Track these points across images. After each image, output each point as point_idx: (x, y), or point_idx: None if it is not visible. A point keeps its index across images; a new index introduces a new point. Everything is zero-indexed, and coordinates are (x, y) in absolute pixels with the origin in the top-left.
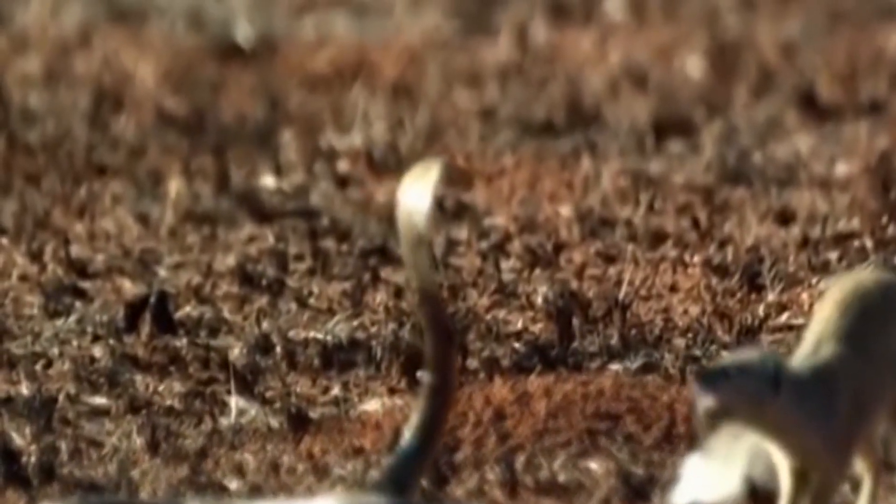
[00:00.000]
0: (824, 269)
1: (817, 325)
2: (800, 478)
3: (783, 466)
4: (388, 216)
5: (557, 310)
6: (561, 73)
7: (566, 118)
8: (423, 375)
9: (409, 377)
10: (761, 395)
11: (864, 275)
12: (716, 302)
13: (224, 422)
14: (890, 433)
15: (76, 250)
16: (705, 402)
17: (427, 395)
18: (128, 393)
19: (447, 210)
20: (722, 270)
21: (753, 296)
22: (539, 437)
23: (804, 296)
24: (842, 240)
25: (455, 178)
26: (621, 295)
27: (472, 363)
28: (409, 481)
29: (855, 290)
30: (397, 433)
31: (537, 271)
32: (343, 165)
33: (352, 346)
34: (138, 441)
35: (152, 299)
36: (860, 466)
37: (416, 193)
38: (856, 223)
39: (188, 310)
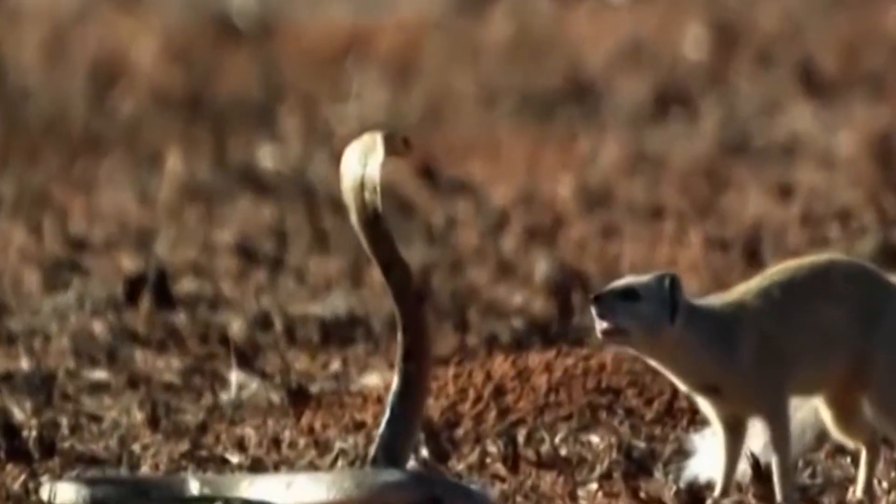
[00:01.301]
0: (824, 244)
1: (752, 280)
2: (733, 429)
3: (714, 420)
4: (386, 192)
5: (557, 286)
6: (561, 50)
7: (566, 94)
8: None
9: None
10: (657, 319)
11: (828, 256)
12: (716, 276)
13: (224, 397)
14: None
15: (75, 226)
16: (601, 325)
17: (403, 359)
18: (127, 368)
19: (446, 187)
20: (722, 245)
21: (753, 270)
22: (540, 411)
23: None
24: (842, 215)
25: (399, 149)
26: (621, 270)
27: (473, 339)
28: (400, 449)
29: (804, 265)
30: None
31: (537, 248)
32: (341, 141)
33: (351, 321)
34: (138, 416)
35: (151, 275)
36: (855, 441)
37: (362, 169)
38: (856, 198)
39: (187, 285)
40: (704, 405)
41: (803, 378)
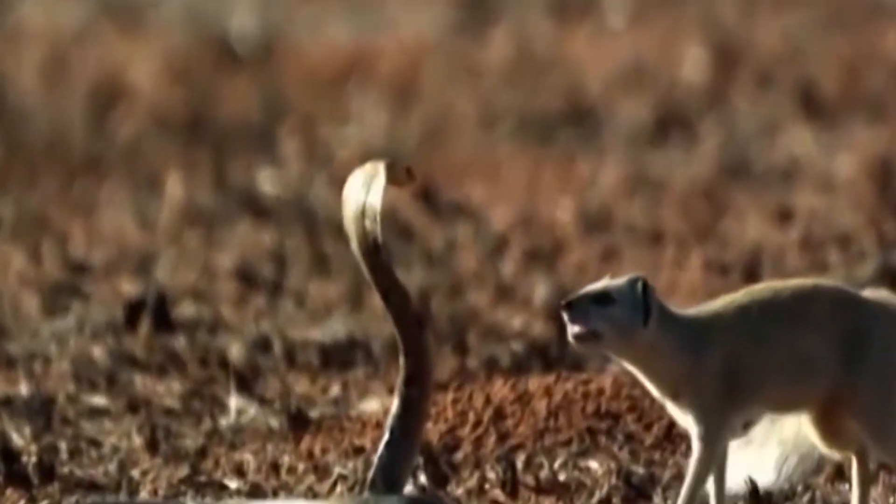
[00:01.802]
0: (823, 268)
1: (724, 297)
2: None
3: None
4: (385, 215)
5: (557, 309)
6: (560, 72)
7: (565, 117)
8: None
9: None
10: (630, 323)
11: (814, 281)
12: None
13: (223, 421)
14: None
15: (74, 249)
16: (573, 329)
17: (404, 383)
18: (127, 392)
19: (445, 210)
20: (721, 269)
21: None
22: (539, 436)
23: None
24: (841, 238)
25: (401, 178)
26: None
27: (472, 363)
28: (399, 473)
29: (787, 287)
30: None
31: (536, 271)
32: (341, 165)
33: (351, 345)
34: (138, 440)
35: (151, 299)
36: (844, 453)
37: (364, 196)
38: (856, 221)
39: (187, 309)
40: (678, 416)
41: (773, 400)
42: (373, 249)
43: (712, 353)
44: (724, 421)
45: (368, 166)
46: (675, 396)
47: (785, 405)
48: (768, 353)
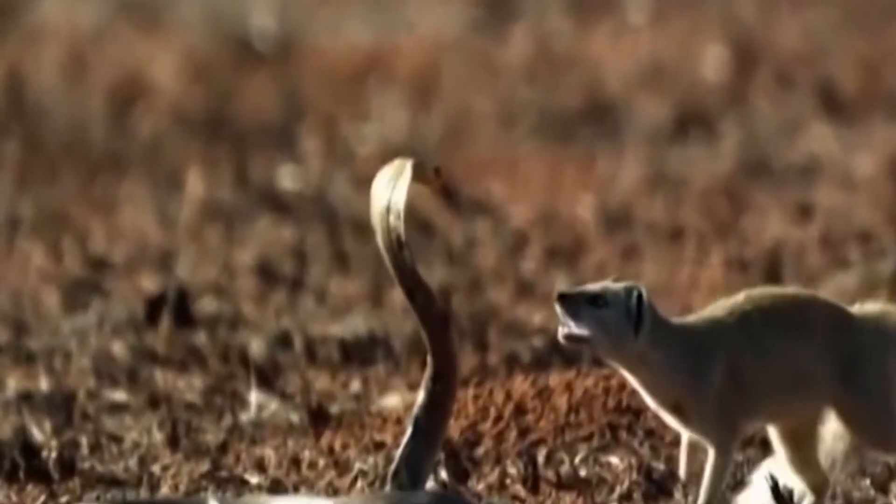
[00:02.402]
0: (844, 266)
1: (725, 301)
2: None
3: (684, 436)
4: (406, 213)
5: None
6: (580, 70)
7: (586, 114)
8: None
9: None
10: (621, 331)
11: (811, 293)
12: None
13: (244, 417)
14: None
15: (95, 246)
16: (565, 329)
17: (429, 380)
18: (147, 388)
19: (466, 207)
20: (742, 266)
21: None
22: (560, 431)
23: (823, 292)
24: (861, 236)
25: (428, 177)
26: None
27: (493, 359)
28: (422, 465)
29: (787, 296)
30: None
31: (557, 268)
32: (361, 162)
33: (371, 341)
34: (158, 436)
35: (171, 295)
36: (808, 483)
37: (389, 193)
38: (875, 219)
39: (207, 305)
40: (671, 422)
41: (771, 411)
42: (396, 247)
43: (715, 365)
44: (734, 425)
45: (396, 163)
46: (675, 409)
47: (783, 416)
48: (771, 364)
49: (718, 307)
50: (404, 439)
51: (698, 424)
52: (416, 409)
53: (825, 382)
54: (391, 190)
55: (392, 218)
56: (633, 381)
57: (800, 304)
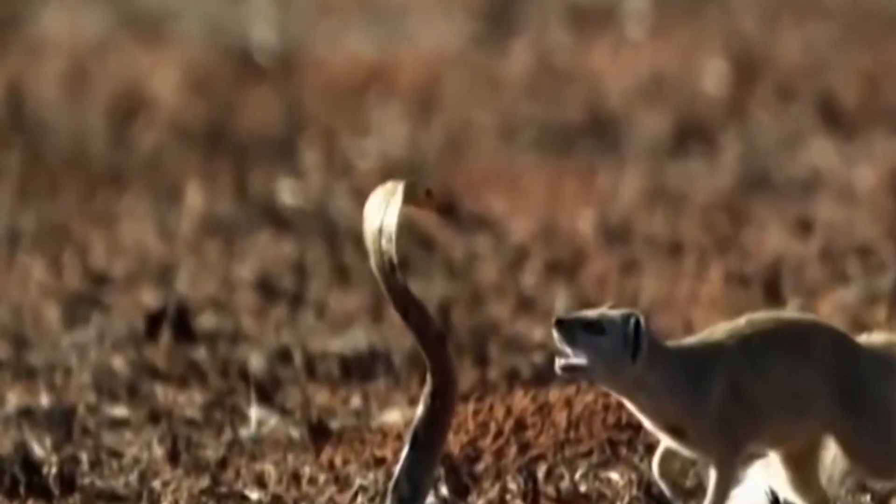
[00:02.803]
0: (844, 280)
1: (726, 324)
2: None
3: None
4: (406, 227)
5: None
6: (581, 83)
7: (586, 128)
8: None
9: None
10: (618, 358)
11: (812, 317)
12: (736, 311)
13: (244, 432)
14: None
15: (95, 261)
16: (562, 361)
17: (428, 396)
18: (148, 403)
19: (466, 221)
20: (742, 280)
21: (773, 305)
22: (560, 447)
23: (824, 307)
24: (862, 250)
25: (420, 199)
26: (641, 305)
27: (493, 374)
28: (422, 478)
29: (787, 320)
30: None
31: (557, 282)
32: (361, 176)
33: (371, 356)
34: (158, 451)
35: (171, 310)
36: (809, 501)
37: (382, 215)
38: (876, 233)
39: (207, 320)
40: (668, 443)
41: (771, 434)
42: (389, 269)
43: (715, 387)
44: (737, 443)
45: (388, 185)
46: (674, 431)
47: (784, 441)
48: (771, 387)
49: (718, 329)
50: (403, 454)
51: (700, 444)
52: (414, 424)
53: (825, 407)
54: (383, 212)
55: (384, 241)
56: (630, 405)
57: (801, 328)
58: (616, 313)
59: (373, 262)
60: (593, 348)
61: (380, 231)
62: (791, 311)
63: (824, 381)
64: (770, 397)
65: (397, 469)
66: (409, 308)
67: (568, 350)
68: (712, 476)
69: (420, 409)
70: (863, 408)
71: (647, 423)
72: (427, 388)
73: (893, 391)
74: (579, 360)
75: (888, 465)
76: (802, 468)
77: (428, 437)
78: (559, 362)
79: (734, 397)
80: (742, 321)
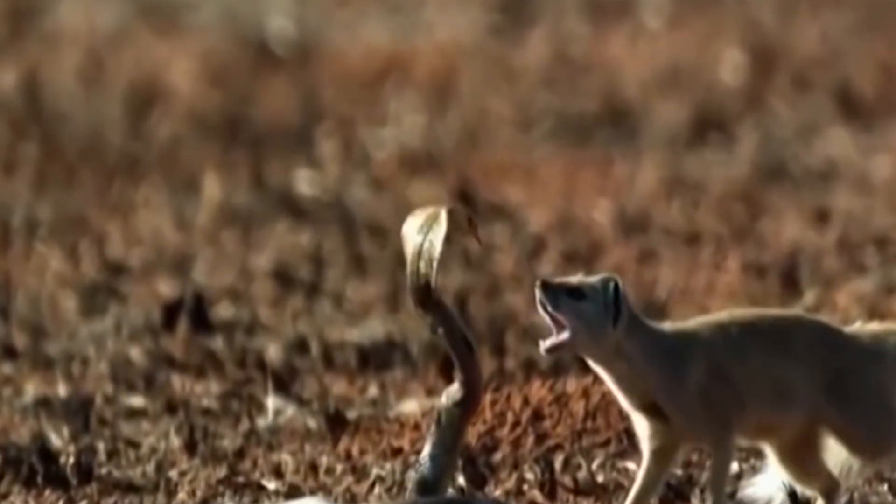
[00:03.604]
0: (861, 270)
1: (712, 315)
2: (659, 459)
3: (644, 444)
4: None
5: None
6: (598, 73)
7: (603, 118)
8: (452, 390)
9: (445, 378)
10: (599, 321)
11: (796, 314)
12: (753, 301)
13: (261, 422)
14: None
15: (112, 251)
16: (546, 343)
17: (454, 404)
18: (165, 393)
19: (483, 211)
20: (759, 270)
21: (791, 295)
22: (577, 437)
23: (841, 296)
24: (878, 240)
25: (462, 226)
26: (658, 295)
27: (510, 364)
28: (438, 482)
29: (769, 315)
30: None
31: (574, 272)
32: (378, 166)
33: (388, 346)
34: (176, 441)
35: (188, 300)
36: (818, 489)
37: (422, 239)
38: (893, 222)
39: (224, 310)
40: (641, 427)
41: (757, 421)
42: (423, 290)
43: (692, 371)
44: (727, 421)
45: (431, 209)
46: (651, 410)
47: (771, 431)
48: (752, 374)
49: (696, 319)
50: (421, 455)
51: (689, 427)
52: (433, 428)
53: (810, 399)
54: (424, 235)
55: (422, 263)
56: (608, 379)
57: (781, 324)
58: (595, 279)
59: (408, 280)
60: (575, 312)
61: (419, 253)
62: (774, 310)
63: (807, 374)
64: (751, 384)
65: (414, 472)
66: (441, 325)
67: (549, 315)
68: (713, 455)
69: (442, 415)
70: (850, 397)
71: (624, 401)
72: (455, 394)
73: (881, 378)
74: (562, 335)
75: (880, 449)
76: (803, 459)
77: (447, 440)
78: (543, 344)
79: (715, 378)
80: (723, 313)
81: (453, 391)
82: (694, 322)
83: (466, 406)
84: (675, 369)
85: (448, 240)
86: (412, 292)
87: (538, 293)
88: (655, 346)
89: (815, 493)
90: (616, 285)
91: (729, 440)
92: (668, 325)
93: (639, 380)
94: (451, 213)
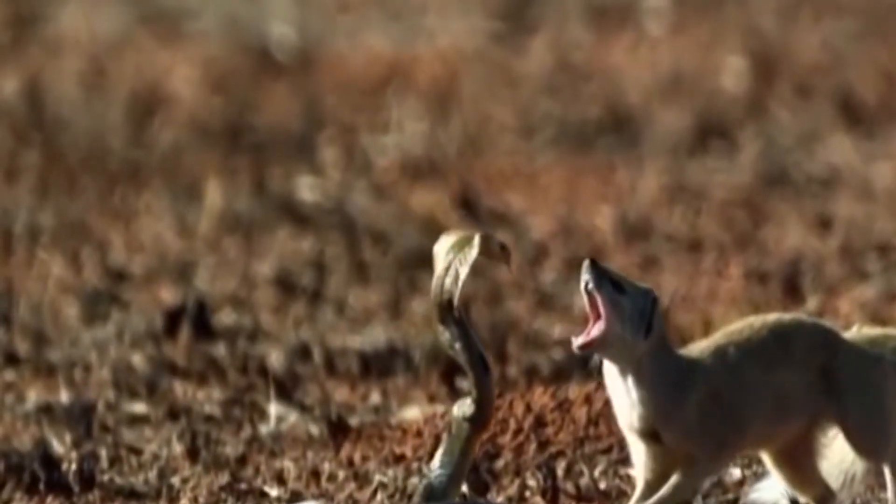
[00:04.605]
0: (863, 277)
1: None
2: (651, 486)
3: (638, 469)
4: (426, 224)
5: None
6: (600, 80)
7: (605, 125)
8: (465, 404)
9: (447, 385)
10: (633, 325)
11: (793, 317)
12: (756, 308)
13: (263, 429)
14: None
15: (114, 257)
16: (578, 340)
17: (465, 419)
18: (167, 400)
19: (485, 218)
20: (761, 277)
21: (793, 302)
22: (580, 443)
23: (843, 303)
24: (881, 247)
25: (495, 252)
26: (661, 302)
27: (512, 371)
28: (446, 491)
29: (766, 325)
30: (437, 440)
31: (576, 279)
32: (380, 172)
33: (390, 353)
34: (178, 448)
35: (190, 306)
36: (811, 497)
37: (452, 257)
38: (895, 230)
39: (226, 317)
40: (636, 453)
41: (758, 435)
42: (446, 306)
43: (692, 398)
44: (723, 451)
45: (466, 233)
46: (648, 436)
47: (769, 440)
48: (751, 393)
49: (698, 345)
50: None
51: (680, 451)
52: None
53: (809, 402)
54: (454, 254)
55: (448, 280)
56: (617, 392)
57: (778, 329)
58: (640, 284)
59: (433, 295)
60: (613, 302)
61: (446, 270)
62: (773, 315)
63: (807, 379)
64: (752, 401)
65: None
66: (458, 338)
67: (588, 294)
68: (673, 476)
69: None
70: (846, 398)
71: (625, 424)
72: (467, 409)
73: (880, 381)
74: (596, 329)
75: (876, 448)
76: (799, 466)
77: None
78: (576, 341)
79: (711, 405)
80: (718, 334)
81: (466, 406)
82: (696, 349)
83: (477, 424)
84: (676, 396)
85: (478, 266)
86: (435, 307)
87: (584, 269)
88: (666, 372)
89: (810, 501)
90: (655, 299)
91: (715, 466)
92: (677, 352)
93: (645, 400)
94: (484, 239)
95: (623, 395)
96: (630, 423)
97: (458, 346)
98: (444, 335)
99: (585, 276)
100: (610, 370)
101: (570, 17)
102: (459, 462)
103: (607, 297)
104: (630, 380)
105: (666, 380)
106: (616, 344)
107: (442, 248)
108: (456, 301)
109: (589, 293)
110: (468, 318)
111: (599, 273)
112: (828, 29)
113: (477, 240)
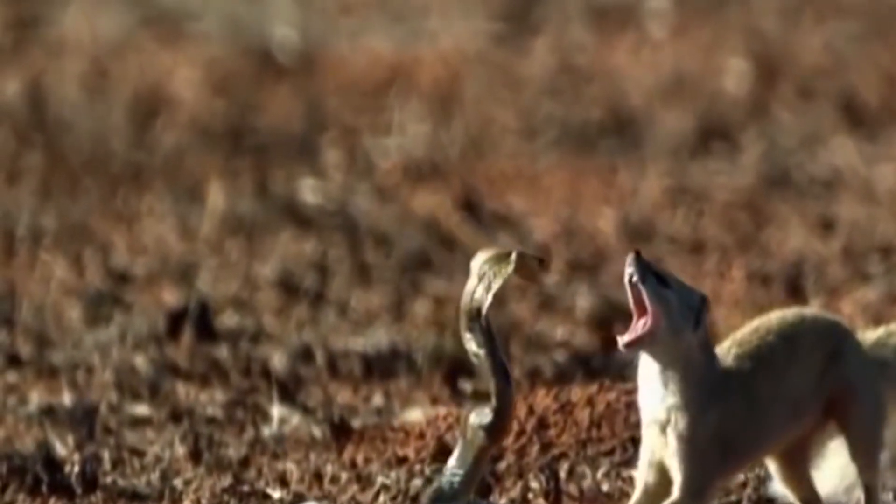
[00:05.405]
0: (865, 279)
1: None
2: (658, 484)
3: (642, 467)
4: (428, 226)
5: (599, 319)
6: (602, 82)
7: (607, 127)
8: (483, 413)
9: (450, 386)
10: (681, 317)
11: (796, 311)
12: (758, 311)
13: (266, 431)
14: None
15: (116, 259)
16: (625, 338)
17: (481, 427)
18: (169, 402)
19: (487, 220)
20: (764, 279)
21: (795, 304)
22: (582, 446)
23: (846, 305)
24: (883, 249)
25: (531, 268)
26: None
27: (515, 373)
28: (456, 496)
29: (772, 328)
30: (440, 442)
31: (579, 281)
32: (382, 174)
33: (393, 355)
34: (180, 450)
35: (193, 308)
36: (798, 498)
37: (487, 269)
38: None
39: (229, 319)
40: (647, 450)
41: (769, 451)
42: (474, 313)
43: (712, 416)
44: (705, 483)
45: (501, 250)
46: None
47: (776, 450)
48: (761, 412)
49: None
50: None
51: (678, 463)
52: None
53: (817, 396)
54: (489, 267)
55: (480, 289)
56: (647, 384)
57: (783, 329)
58: (690, 286)
59: (462, 302)
60: (658, 295)
61: (479, 279)
62: (777, 312)
63: (812, 372)
64: (763, 422)
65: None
66: (483, 349)
67: (633, 288)
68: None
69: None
70: (851, 399)
71: (650, 416)
72: (484, 418)
73: (879, 383)
74: (644, 324)
75: (869, 458)
76: (792, 465)
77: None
78: (622, 339)
79: (719, 434)
80: (726, 343)
81: (484, 414)
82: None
83: (493, 434)
84: (704, 410)
85: (511, 282)
86: (463, 315)
87: (628, 262)
88: (710, 375)
89: (796, 502)
90: (704, 298)
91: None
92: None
93: (680, 394)
94: (520, 256)
95: (658, 385)
96: (655, 415)
97: (482, 353)
98: (470, 343)
99: (629, 270)
100: (647, 358)
101: (572, 19)
102: (471, 470)
103: (652, 291)
104: (670, 372)
105: (706, 379)
106: (664, 340)
107: (477, 263)
108: (485, 310)
109: (633, 286)
110: (494, 329)
111: (643, 266)
112: (830, 31)
113: (514, 256)
